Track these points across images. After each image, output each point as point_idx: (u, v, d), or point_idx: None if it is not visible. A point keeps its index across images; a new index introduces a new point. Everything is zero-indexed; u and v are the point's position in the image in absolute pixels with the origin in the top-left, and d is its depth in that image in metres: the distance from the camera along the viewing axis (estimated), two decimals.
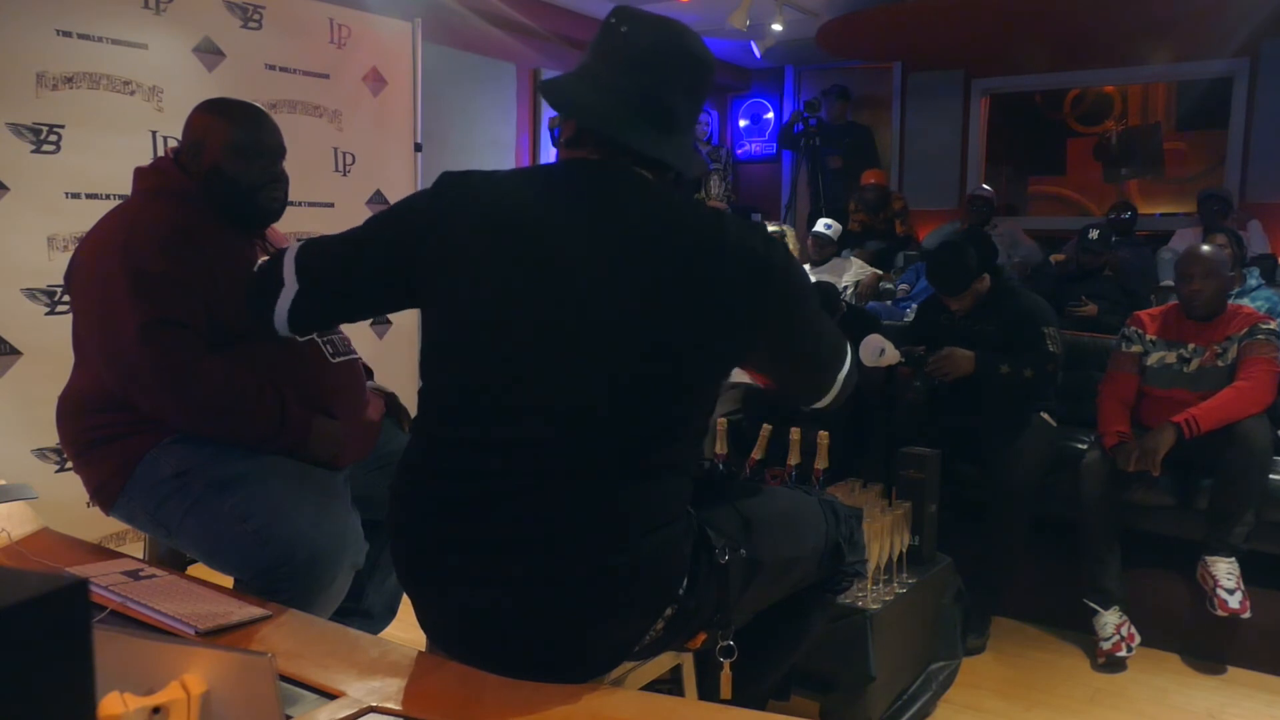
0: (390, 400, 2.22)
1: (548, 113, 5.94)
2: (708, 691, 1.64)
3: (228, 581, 1.79)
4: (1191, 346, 3.05)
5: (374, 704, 1.19)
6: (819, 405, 1.57)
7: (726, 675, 1.51)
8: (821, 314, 1.52)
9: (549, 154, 6.07)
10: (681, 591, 1.37)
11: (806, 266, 5.44)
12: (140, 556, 2.00)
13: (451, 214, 1.40)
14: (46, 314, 2.94)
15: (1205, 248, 3.14)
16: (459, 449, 1.36)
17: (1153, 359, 3.11)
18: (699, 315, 1.32)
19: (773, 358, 1.51)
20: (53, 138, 2.96)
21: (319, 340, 2.00)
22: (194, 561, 1.97)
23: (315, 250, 1.56)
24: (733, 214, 1.49)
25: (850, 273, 5.58)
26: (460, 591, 1.36)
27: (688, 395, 1.36)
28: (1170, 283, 3.60)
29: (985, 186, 6.55)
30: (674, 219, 1.37)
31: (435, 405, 1.41)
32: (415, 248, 1.41)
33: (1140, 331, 3.17)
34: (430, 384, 1.42)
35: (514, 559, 1.31)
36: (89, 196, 3.03)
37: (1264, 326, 2.98)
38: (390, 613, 2.21)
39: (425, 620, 1.45)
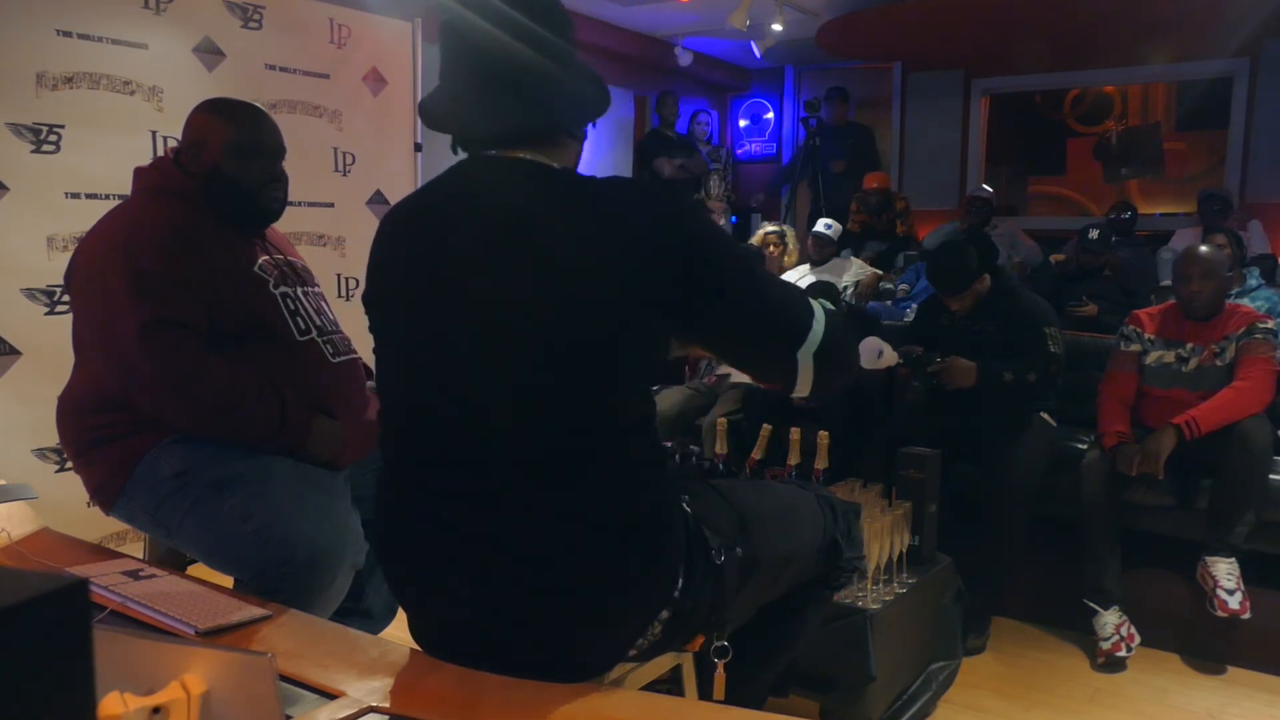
0: None
1: None
2: (708, 692, 1.63)
3: (228, 581, 1.79)
4: (1190, 346, 3.05)
5: (374, 704, 1.19)
6: (798, 394, 1.42)
7: (720, 677, 1.50)
8: (761, 287, 1.35)
9: None
10: (677, 594, 1.34)
11: (806, 266, 5.42)
12: (140, 556, 2.00)
13: (377, 255, 1.44)
14: (46, 314, 2.94)
15: (1203, 248, 3.13)
16: (419, 467, 1.36)
17: (1151, 358, 3.11)
18: (595, 295, 1.25)
19: (700, 333, 1.37)
20: (53, 138, 2.96)
21: (319, 340, 2.01)
22: (194, 561, 1.97)
23: None
24: (624, 180, 1.42)
25: (850, 273, 5.57)
26: (449, 607, 1.36)
27: (613, 383, 1.28)
28: (1170, 283, 3.60)
29: (985, 187, 6.54)
30: (552, 201, 1.31)
31: (391, 427, 1.42)
32: (375, 312, 1.46)
33: (1139, 330, 3.17)
34: (384, 406, 1.44)
35: (493, 572, 1.30)
36: (89, 196, 3.03)
37: (1261, 326, 2.98)
38: (390, 613, 2.21)
39: (417, 633, 1.44)
